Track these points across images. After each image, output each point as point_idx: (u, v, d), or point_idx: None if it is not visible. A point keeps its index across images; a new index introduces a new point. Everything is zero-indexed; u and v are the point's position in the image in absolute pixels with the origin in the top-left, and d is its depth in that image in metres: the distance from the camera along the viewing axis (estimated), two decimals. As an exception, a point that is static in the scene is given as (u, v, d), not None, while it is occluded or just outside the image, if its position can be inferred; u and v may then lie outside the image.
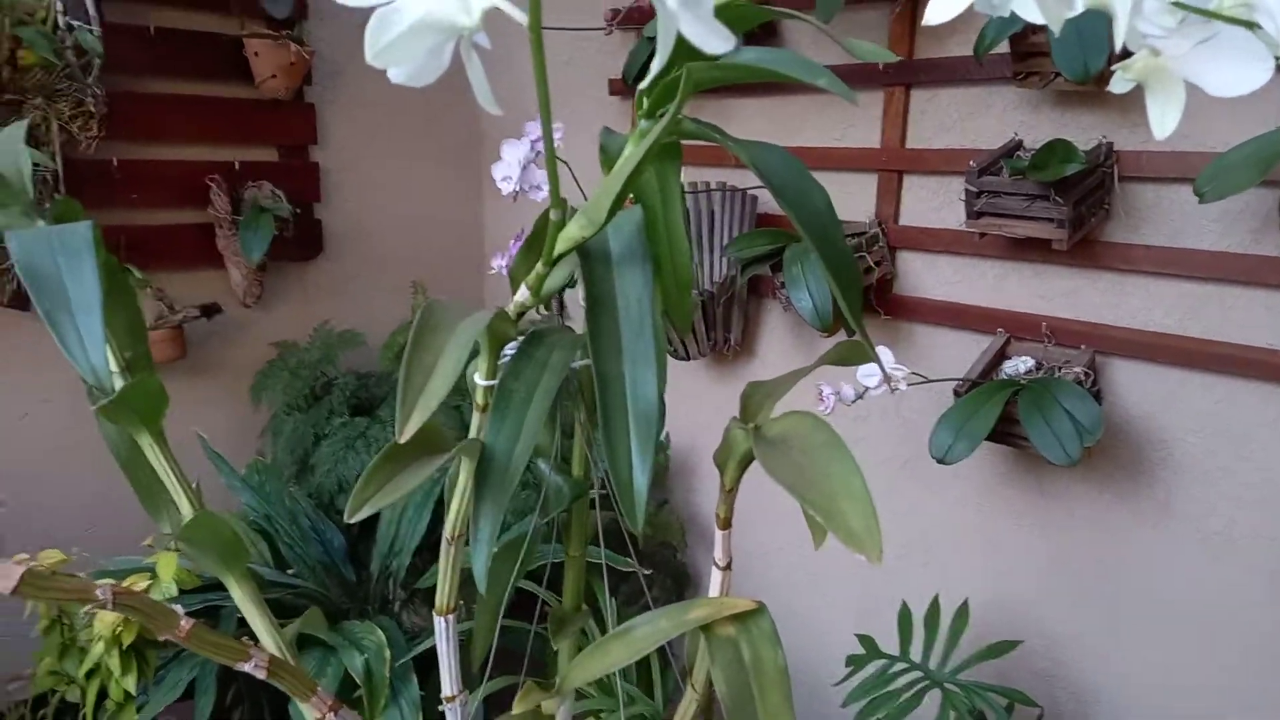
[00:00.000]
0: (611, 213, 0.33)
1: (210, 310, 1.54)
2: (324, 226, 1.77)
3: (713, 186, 1.51)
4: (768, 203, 1.50)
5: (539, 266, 0.33)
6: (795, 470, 0.27)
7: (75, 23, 1.32)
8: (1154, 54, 0.30)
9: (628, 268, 0.34)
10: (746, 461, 0.37)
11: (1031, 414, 1.07)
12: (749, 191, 1.48)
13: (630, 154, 0.32)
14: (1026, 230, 1.09)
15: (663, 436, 1.74)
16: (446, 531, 0.38)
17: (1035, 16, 0.31)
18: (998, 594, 1.32)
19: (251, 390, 1.68)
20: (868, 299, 1.36)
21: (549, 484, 0.45)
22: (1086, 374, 1.12)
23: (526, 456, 0.33)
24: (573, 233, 0.33)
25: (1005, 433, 1.13)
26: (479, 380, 0.36)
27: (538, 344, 0.37)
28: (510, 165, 1.25)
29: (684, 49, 0.34)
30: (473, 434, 0.36)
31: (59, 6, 1.32)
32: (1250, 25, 0.29)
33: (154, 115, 1.52)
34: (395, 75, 0.22)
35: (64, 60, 1.30)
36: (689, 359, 1.56)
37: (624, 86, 1.61)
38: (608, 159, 0.38)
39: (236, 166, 1.61)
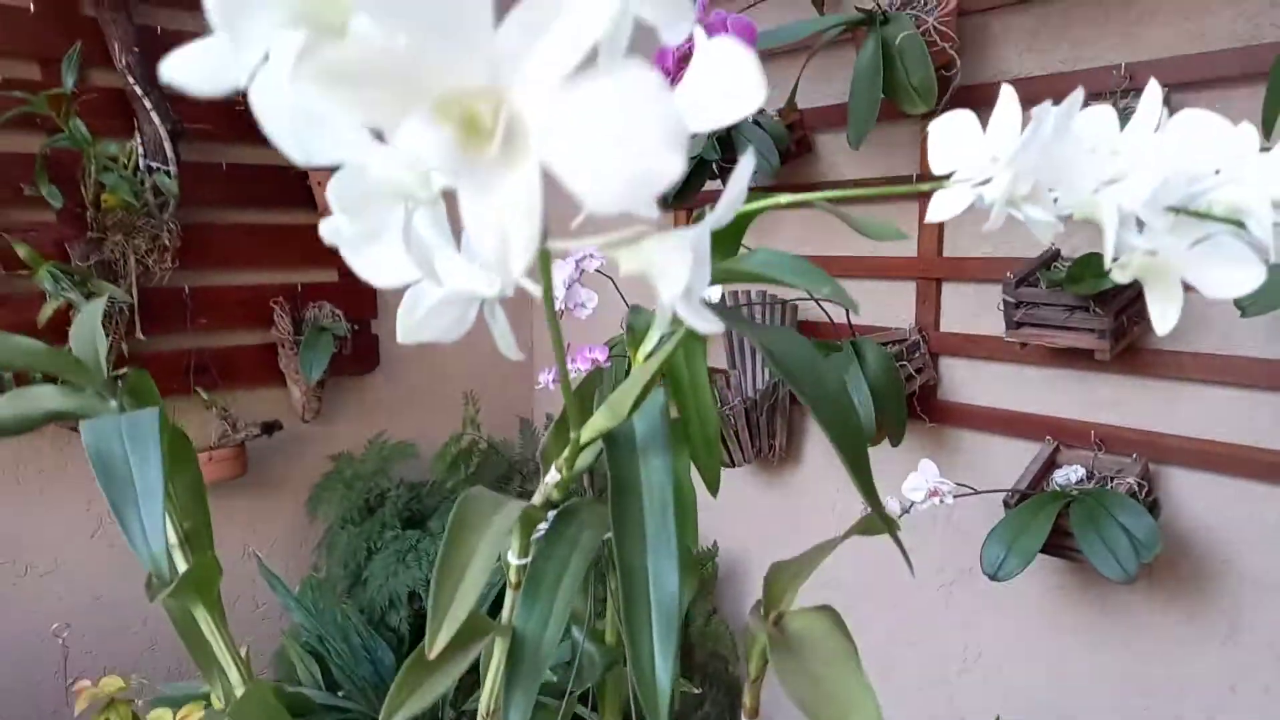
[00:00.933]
0: (635, 407, 0.34)
1: (271, 428, 1.60)
2: (380, 341, 1.83)
3: (754, 296, 1.54)
4: (808, 311, 1.52)
5: (565, 456, 0.35)
6: (809, 684, 0.27)
7: (154, 165, 1.42)
8: (1150, 253, 0.31)
9: (653, 454, 0.36)
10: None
11: (1085, 528, 1.05)
12: (790, 302, 1.50)
13: (648, 363, 0.34)
14: (1067, 340, 1.09)
15: (710, 543, 1.73)
16: (481, 709, 0.39)
17: (1034, 225, 0.32)
18: (1062, 714, 1.27)
19: (309, 503, 1.72)
20: (911, 406, 1.35)
21: (582, 652, 0.45)
22: (1140, 484, 1.09)
23: (557, 640, 0.34)
24: (598, 423, 0.35)
25: (1060, 546, 1.10)
26: (512, 559, 0.38)
27: (569, 522, 0.39)
28: (555, 285, 1.29)
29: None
30: (506, 612, 0.38)
31: (140, 150, 1.42)
32: (1238, 224, 0.30)
33: (224, 245, 1.62)
34: (427, 336, 0.25)
35: (143, 201, 1.39)
36: (734, 465, 1.56)
37: (665, 204, 1.66)
38: (634, 338, 0.40)
39: (299, 288, 1.69)
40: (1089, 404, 1.21)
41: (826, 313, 1.41)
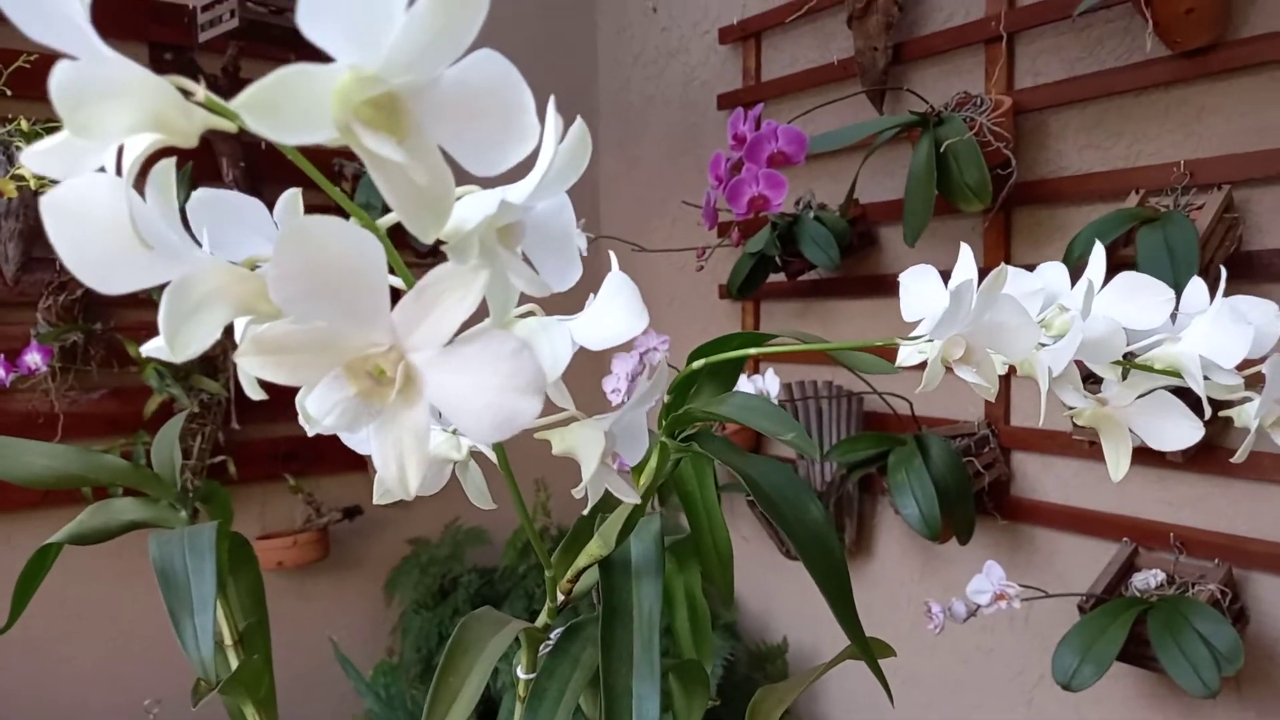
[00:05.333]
0: (623, 536, 0.37)
1: (352, 512, 1.67)
2: (458, 428, 1.90)
3: (819, 386, 1.55)
4: (873, 403, 1.52)
5: (563, 583, 0.38)
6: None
7: (256, 267, 1.54)
8: (1101, 404, 0.33)
9: (645, 578, 0.38)
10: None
11: (1163, 638, 1.00)
12: (856, 394, 1.50)
13: (622, 509, 0.37)
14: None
15: (780, 639, 1.70)
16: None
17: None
18: (1155, 837, 1.19)
19: (386, 586, 1.78)
20: (982, 502, 1.32)
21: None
22: (1223, 591, 1.04)
23: (555, 757, 0.36)
24: (593, 550, 0.38)
25: (1138, 655, 1.05)
26: (520, 674, 0.41)
27: (573, 639, 0.41)
28: (619, 378, 1.34)
29: (680, 398, 0.40)
30: (513, 725, 0.40)
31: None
32: (1176, 374, 0.31)
33: (315, 338, 1.72)
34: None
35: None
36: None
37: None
38: (637, 465, 0.43)
39: (382, 379, 1.78)
40: (1168, 504, 1.16)
41: (890, 405, 1.41)
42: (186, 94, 0.16)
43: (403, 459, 0.18)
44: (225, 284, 0.18)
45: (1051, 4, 1.19)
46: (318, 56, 0.17)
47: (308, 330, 0.17)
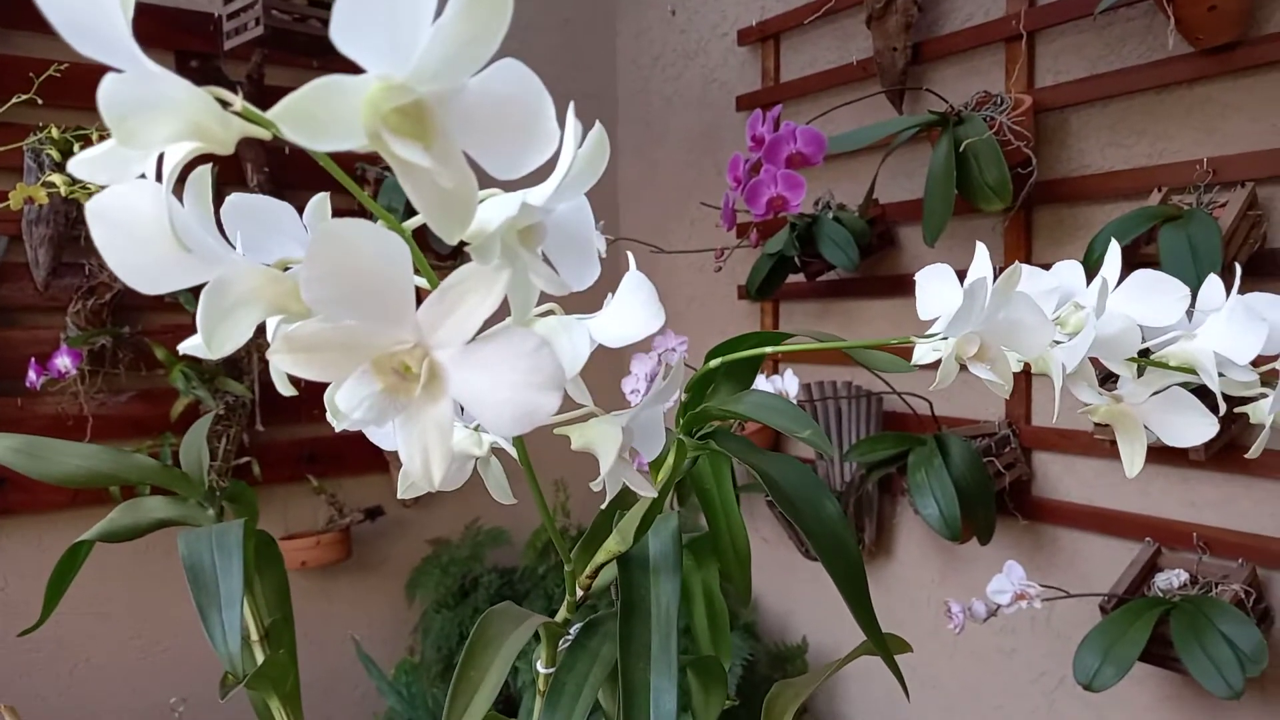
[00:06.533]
0: (641, 533, 0.38)
1: (374, 513, 1.69)
2: (478, 430, 1.92)
3: (838, 386, 1.54)
4: (893, 403, 1.51)
5: (582, 579, 0.39)
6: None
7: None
8: (1116, 400, 0.33)
9: (663, 575, 0.39)
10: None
11: (1186, 638, 1.00)
12: (876, 394, 1.50)
13: (640, 505, 0.37)
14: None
15: (800, 639, 1.70)
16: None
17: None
18: (1179, 840, 1.17)
19: (407, 586, 1.79)
20: (1003, 502, 1.32)
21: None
22: (1247, 591, 1.03)
23: (573, 751, 0.37)
24: (611, 546, 0.39)
25: (1161, 655, 1.05)
26: (540, 668, 0.41)
27: (592, 634, 0.42)
28: (638, 379, 1.34)
29: (697, 397, 0.40)
30: (535, 717, 0.41)
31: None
32: (1190, 371, 0.32)
33: (337, 340, 1.74)
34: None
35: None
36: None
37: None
38: (655, 462, 0.44)
39: (404, 380, 1.80)
40: (1191, 504, 1.15)
41: (909, 405, 1.40)
42: (224, 104, 0.17)
43: (427, 451, 0.18)
44: (259, 285, 0.19)
45: (1072, 2, 1.18)
46: (341, 64, 0.18)
47: (337, 329, 0.18)
